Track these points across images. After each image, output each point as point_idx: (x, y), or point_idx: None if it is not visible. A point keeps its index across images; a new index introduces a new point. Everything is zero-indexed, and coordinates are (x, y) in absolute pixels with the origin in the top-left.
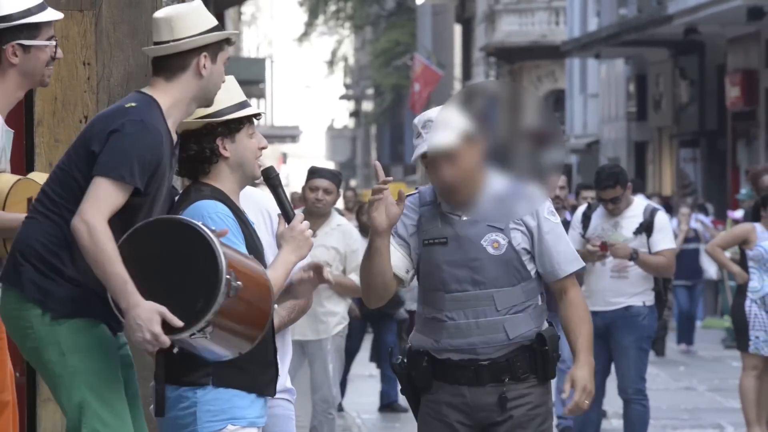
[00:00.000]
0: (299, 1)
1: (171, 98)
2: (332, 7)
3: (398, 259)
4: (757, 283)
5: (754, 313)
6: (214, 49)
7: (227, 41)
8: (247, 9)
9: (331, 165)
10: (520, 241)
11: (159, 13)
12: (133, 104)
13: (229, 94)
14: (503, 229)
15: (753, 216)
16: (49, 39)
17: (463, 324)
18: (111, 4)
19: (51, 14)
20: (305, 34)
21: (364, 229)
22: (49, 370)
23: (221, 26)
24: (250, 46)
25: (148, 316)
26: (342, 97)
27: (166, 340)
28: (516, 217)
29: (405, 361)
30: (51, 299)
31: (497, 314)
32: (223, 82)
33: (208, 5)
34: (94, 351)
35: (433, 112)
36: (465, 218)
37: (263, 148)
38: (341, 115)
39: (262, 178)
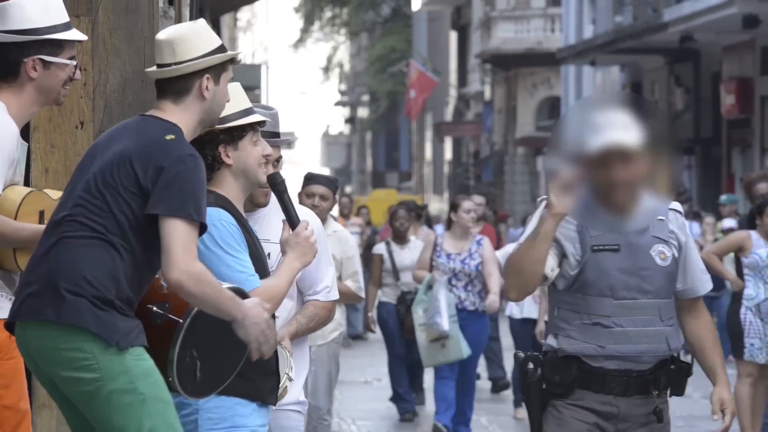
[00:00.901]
0: (295, 7)
1: (183, 123)
2: (328, 14)
3: (549, 257)
4: (752, 290)
5: (749, 321)
6: (217, 70)
7: (231, 61)
8: (242, 15)
9: (326, 171)
10: (677, 255)
11: (161, 35)
12: (172, 136)
13: (233, 100)
14: (667, 241)
15: (748, 224)
16: (70, 58)
17: (633, 331)
18: (107, 10)
19: (76, 34)
20: (301, 41)
21: (398, 234)
22: (113, 400)
23: (224, 47)
24: (245, 52)
25: (257, 311)
26: (337, 104)
27: (274, 328)
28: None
29: (531, 366)
30: (114, 330)
31: (661, 324)
32: (228, 101)
33: (203, 11)
34: (155, 376)
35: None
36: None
37: (267, 155)
38: (337, 122)
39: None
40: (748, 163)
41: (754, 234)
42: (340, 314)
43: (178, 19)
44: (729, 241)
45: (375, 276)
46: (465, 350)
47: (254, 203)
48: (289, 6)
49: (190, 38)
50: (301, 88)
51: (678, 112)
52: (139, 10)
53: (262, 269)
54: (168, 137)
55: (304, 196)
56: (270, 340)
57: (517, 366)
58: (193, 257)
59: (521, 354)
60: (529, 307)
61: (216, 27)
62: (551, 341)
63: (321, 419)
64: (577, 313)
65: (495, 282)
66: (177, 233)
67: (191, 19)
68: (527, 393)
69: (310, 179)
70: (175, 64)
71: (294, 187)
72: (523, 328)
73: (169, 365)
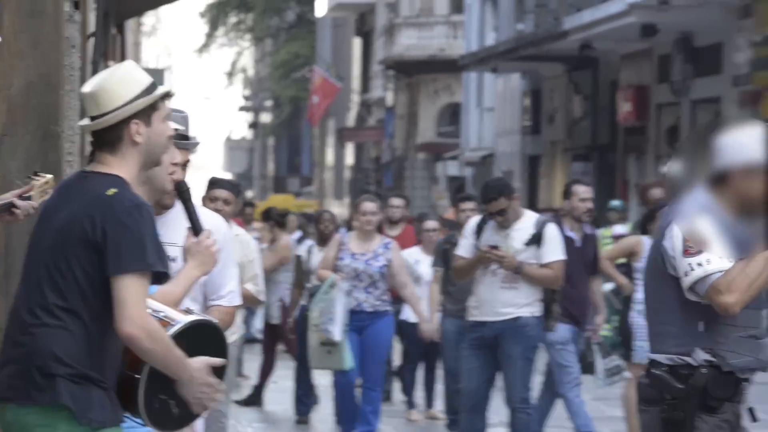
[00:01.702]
0: (200, 12)
1: (125, 172)
2: (233, 19)
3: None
4: (642, 294)
5: (638, 324)
6: (146, 112)
7: (166, 95)
8: (147, 20)
9: (228, 176)
10: None
11: (86, 87)
12: (114, 190)
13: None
14: None
15: (641, 229)
16: None
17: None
18: (12, 13)
19: None
20: (205, 45)
21: (323, 237)
22: None
23: (154, 85)
24: (149, 57)
25: (202, 373)
26: (241, 109)
27: (216, 383)
28: None
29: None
30: (88, 408)
31: None
32: (169, 135)
33: (108, 17)
34: None
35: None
36: None
37: (176, 163)
38: (239, 126)
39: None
40: (642, 169)
41: (645, 239)
42: (238, 317)
43: (84, 24)
44: (621, 246)
45: (297, 278)
46: (348, 362)
47: (160, 205)
48: (194, 11)
49: (111, 88)
50: (204, 92)
51: (576, 119)
52: (44, 14)
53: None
54: (109, 192)
55: (208, 200)
56: (210, 395)
57: (654, 377)
58: (146, 312)
59: (659, 372)
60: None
61: (121, 31)
62: (703, 355)
63: (218, 421)
64: (734, 327)
65: (411, 293)
66: (129, 288)
67: (97, 23)
68: (684, 408)
69: (213, 184)
70: (100, 116)
71: (197, 191)
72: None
73: (140, 417)
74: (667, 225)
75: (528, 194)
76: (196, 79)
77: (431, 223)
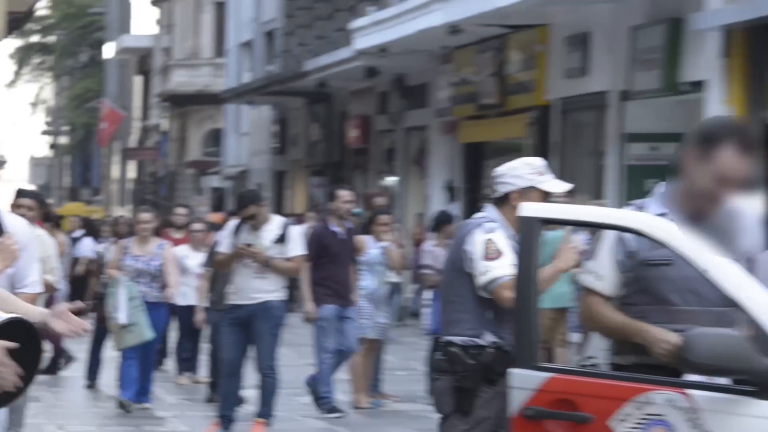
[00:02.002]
0: (9, 54)
1: None
2: (36, 60)
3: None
4: (367, 282)
5: (362, 306)
6: None
7: None
8: None
9: (32, 187)
10: None
11: None
12: None
13: None
14: None
15: (365, 230)
16: None
17: None
18: None
19: None
20: (13, 81)
21: (119, 237)
22: None
23: None
24: None
25: None
26: (43, 133)
27: (12, 364)
28: None
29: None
30: None
31: None
32: None
33: None
34: None
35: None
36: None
37: None
38: (42, 147)
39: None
40: (366, 182)
41: (369, 238)
42: (40, 302)
43: None
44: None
45: (95, 271)
46: (147, 334)
47: None
48: (3, 53)
49: None
50: (12, 119)
51: (314, 142)
52: None
53: None
54: None
55: (15, 207)
56: (6, 376)
57: (450, 353)
58: None
59: (454, 350)
60: (191, 297)
61: None
62: (489, 337)
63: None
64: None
65: (173, 279)
66: None
67: None
68: (470, 378)
69: (19, 194)
70: None
71: (5, 200)
72: (187, 314)
73: None
74: (468, 233)
75: (276, 202)
76: (5, 109)
77: (197, 225)
